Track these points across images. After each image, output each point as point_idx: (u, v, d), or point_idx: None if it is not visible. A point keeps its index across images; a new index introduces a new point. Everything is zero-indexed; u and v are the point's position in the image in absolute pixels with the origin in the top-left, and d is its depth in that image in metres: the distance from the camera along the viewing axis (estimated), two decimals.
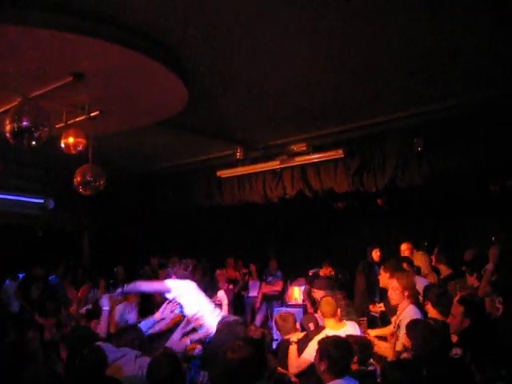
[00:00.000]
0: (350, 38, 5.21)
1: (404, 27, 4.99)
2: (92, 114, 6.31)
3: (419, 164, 8.04)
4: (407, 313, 5.88)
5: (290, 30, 5.03)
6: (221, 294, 8.17)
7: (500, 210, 10.03)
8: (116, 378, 4.03)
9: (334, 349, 4.51)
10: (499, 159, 7.45)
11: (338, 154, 8.70)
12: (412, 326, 5.23)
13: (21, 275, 11.41)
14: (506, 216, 9.89)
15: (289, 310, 11.17)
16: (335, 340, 4.75)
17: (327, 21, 4.86)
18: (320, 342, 4.82)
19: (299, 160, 9.22)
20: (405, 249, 9.16)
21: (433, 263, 8.86)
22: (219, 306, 8.40)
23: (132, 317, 8.66)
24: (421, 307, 6.18)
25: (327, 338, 4.98)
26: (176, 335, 5.74)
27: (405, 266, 8.45)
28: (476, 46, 5.41)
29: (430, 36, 5.18)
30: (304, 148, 9.02)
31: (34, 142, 5.52)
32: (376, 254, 10.02)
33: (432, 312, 5.97)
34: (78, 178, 6.37)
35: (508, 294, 6.69)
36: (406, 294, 6.09)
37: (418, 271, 8.57)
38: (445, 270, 8.34)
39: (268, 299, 11.99)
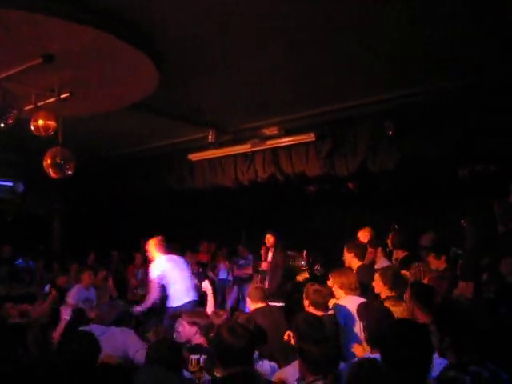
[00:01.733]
0: (321, 21, 5.21)
1: (376, 12, 5.00)
2: (62, 96, 6.23)
3: (390, 148, 8.08)
4: (343, 301, 6.12)
5: (263, 15, 5.02)
6: (205, 284, 8.20)
7: (468, 195, 10.14)
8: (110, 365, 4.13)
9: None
10: (469, 144, 7.53)
11: (310, 137, 8.70)
12: (364, 307, 5.35)
13: None
14: (473, 200, 10.01)
15: None
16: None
17: (297, 4, 4.87)
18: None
19: (271, 143, 9.22)
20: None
21: (389, 247, 8.94)
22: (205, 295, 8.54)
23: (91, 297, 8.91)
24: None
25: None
26: None
27: (380, 250, 8.57)
28: (448, 33, 5.44)
29: (402, 21, 5.20)
30: (275, 131, 9.03)
31: (1, 125, 5.47)
32: (268, 241, 10.08)
33: (387, 293, 6.16)
34: (48, 161, 6.30)
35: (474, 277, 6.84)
36: (343, 290, 6.22)
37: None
38: (400, 254, 8.43)
39: (239, 282, 12.04)
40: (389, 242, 8.72)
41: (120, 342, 4.99)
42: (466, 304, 5.91)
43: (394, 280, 6.35)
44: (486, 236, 7.27)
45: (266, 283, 9.52)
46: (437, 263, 7.43)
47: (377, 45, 5.78)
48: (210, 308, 7.46)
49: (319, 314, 5.69)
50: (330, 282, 6.44)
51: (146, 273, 11.08)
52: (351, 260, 7.38)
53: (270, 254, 9.81)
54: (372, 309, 5.26)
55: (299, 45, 5.78)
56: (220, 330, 4.15)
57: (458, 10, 4.92)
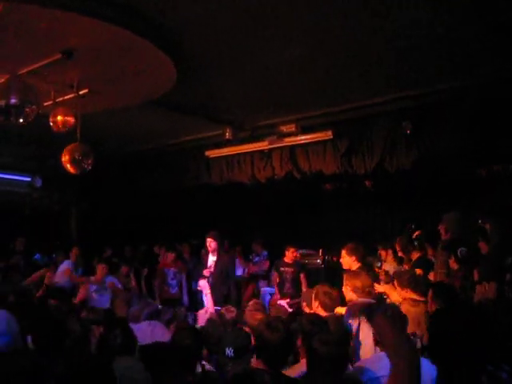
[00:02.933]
0: (340, 19, 5.19)
1: (394, 10, 4.98)
2: (81, 92, 6.27)
3: (407, 147, 8.06)
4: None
5: (280, 11, 5.01)
6: (202, 283, 8.09)
7: (485, 195, 10.07)
8: None
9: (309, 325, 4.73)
10: (487, 144, 7.48)
11: (327, 135, 8.68)
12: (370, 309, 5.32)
13: None
14: (490, 200, 9.95)
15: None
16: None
17: (315, 3, 4.86)
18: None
19: (288, 141, 9.19)
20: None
21: (399, 254, 8.87)
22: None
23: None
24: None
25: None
26: None
27: (390, 252, 8.51)
28: (465, 31, 5.43)
29: (420, 20, 5.18)
30: (293, 129, 8.99)
31: (21, 120, 5.51)
32: (210, 245, 9.31)
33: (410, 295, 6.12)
34: (66, 157, 6.33)
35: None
36: (356, 294, 6.12)
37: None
38: (414, 255, 8.37)
39: (255, 278, 12.05)
40: (397, 246, 8.61)
41: (149, 335, 5.14)
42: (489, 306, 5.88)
43: (413, 281, 6.31)
44: (509, 236, 7.22)
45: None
46: (451, 263, 7.40)
47: (394, 42, 5.75)
48: (209, 306, 7.43)
49: (325, 314, 5.71)
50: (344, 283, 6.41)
51: (180, 271, 11.08)
52: (352, 263, 7.35)
53: (213, 259, 9.49)
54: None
55: (317, 43, 5.77)
56: (259, 325, 4.19)
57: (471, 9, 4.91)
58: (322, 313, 5.80)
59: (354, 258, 7.29)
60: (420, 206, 11.65)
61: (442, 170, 9.72)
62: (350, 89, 7.38)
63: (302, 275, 9.93)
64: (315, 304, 5.92)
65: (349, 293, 6.16)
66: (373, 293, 6.21)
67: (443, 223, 7.96)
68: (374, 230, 12.33)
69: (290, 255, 9.95)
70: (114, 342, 4.23)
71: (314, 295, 5.99)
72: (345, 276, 6.40)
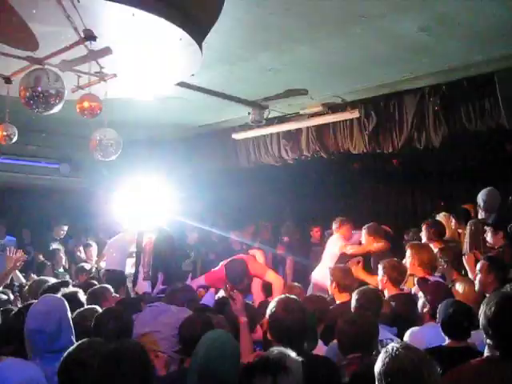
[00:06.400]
0: None
1: None
2: (106, 78, 6.25)
3: (436, 124, 7.94)
4: None
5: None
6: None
7: None
8: None
9: None
10: None
11: (354, 114, 8.61)
12: (423, 281, 5.28)
13: None
14: None
15: None
16: None
17: None
18: None
19: (315, 121, 9.15)
20: None
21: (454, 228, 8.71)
22: None
23: None
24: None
25: None
26: None
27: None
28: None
29: None
30: (319, 109, 8.94)
31: (48, 108, 5.51)
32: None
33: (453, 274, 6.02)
34: (94, 142, 6.32)
35: None
36: (421, 268, 6.03)
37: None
38: (436, 245, 8.19)
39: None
40: (425, 235, 8.26)
41: (175, 320, 5.08)
42: None
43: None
44: None
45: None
46: (495, 239, 7.22)
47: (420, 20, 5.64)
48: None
49: (396, 291, 5.70)
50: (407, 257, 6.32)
51: None
52: (372, 243, 7.38)
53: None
54: (432, 283, 5.21)
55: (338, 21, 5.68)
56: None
57: None
58: (392, 289, 5.80)
59: (371, 237, 7.33)
60: (450, 185, 11.54)
61: (471, 147, 9.61)
62: (376, 66, 7.27)
63: None
64: (384, 279, 5.88)
65: (415, 267, 6.06)
66: (437, 267, 6.13)
67: (480, 201, 7.87)
68: (403, 211, 12.29)
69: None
70: None
71: (381, 270, 5.94)
72: (410, 248, 6.31)
